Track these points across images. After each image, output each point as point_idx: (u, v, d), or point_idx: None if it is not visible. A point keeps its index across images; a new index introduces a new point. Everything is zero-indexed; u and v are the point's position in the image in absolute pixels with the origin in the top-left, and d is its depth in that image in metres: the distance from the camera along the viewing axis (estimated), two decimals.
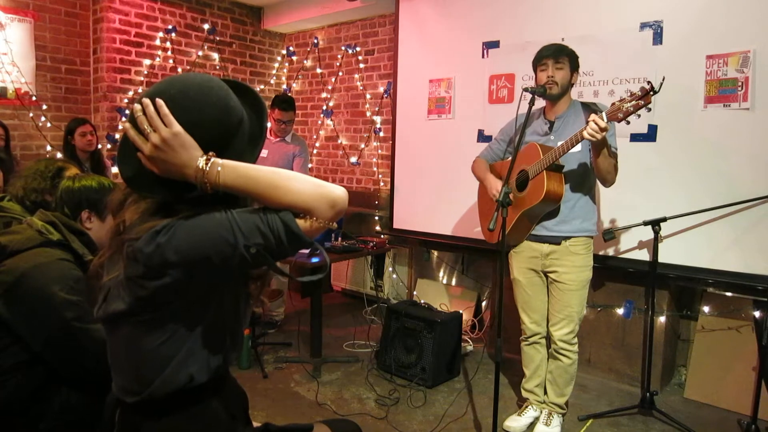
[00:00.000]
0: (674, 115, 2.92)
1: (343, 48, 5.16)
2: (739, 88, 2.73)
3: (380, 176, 4.95)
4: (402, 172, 4.35)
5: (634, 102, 2.11)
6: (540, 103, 2.56)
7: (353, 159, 5.15)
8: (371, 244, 3.72)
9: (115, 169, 3.79)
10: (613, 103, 2.17)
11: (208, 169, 0.98)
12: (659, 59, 2.97)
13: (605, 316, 3.32)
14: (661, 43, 2.97)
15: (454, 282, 4.38)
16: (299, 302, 4.27)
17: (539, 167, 2.39)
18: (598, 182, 2.51)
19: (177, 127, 0.99)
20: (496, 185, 2.59)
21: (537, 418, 2.69)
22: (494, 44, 3.72)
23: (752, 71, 2.69)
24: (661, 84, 2.08)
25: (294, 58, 5.67)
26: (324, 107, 5.37)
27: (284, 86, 5.77)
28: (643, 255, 3.06)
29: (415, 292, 4.51)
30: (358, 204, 4.95)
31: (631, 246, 3.12)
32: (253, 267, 1.06)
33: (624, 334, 3.26)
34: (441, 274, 4.46)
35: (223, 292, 1.09)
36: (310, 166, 4.49)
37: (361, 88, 5.05)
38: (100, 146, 4.20)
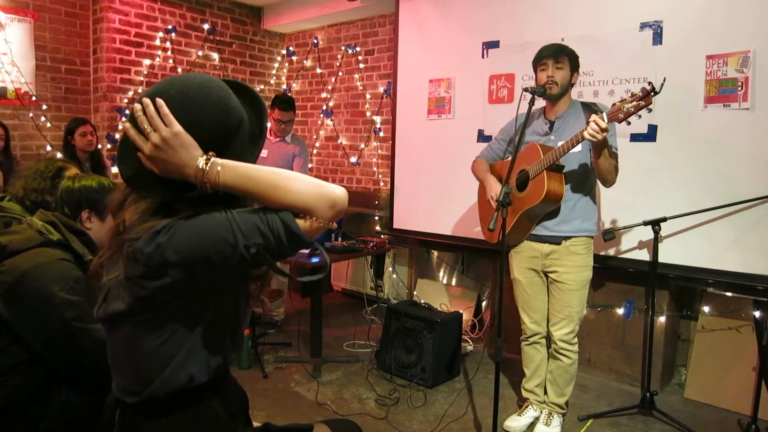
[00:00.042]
0: (674, 115, 2.92)
1: (343, 48, 5.16)
2: (739, 88, 2.73)
3: (380, 176, 4.95)
4: (402, 172, 4.35)
5: (635, 102, 2.11)
6: (540, 103, 2.56)
7: (353, 159, 5.15)
8: (371, 244, 3.73)
9: (115, 169, 3.80)
10: (614, 104, 2.17)
11: (207, 168, 0.98)
12: (659, 59, 2.97)
13: (605, 316, 3.32)
14: (661, 43, 2.97)
15: (454, 282, 4.38)
16: (299, 302, 4.27)
17: (540, 167, 2.39)
18: (598, 182, 2.51)
19: (177, 127, 0.99)
20: (495, 188, 2.59)
21: (537, 418, 2.69)
22: (494, 44, 3.72)
23: (752, 71, 2.69)
24: (662, 85, 2.08)
25: (294, 58, 5.67)
26: (324, 107, 5.37)
27: (284, 86, 5.78)
28: (643, 255, 3.06)
29: (415, 292, 4.51)
30: (358, 204, 4.95)
31: (631, 246, 3.12)
32: (253, 267, 1.06)
33: (624, 334, 3.26)
34: (441, 274, 4.46)
35: (223, 292, 1.09)
36: (310, 166, 4.49)
37: (361, 88, 5.05)
38: (100, 146, 4.20)
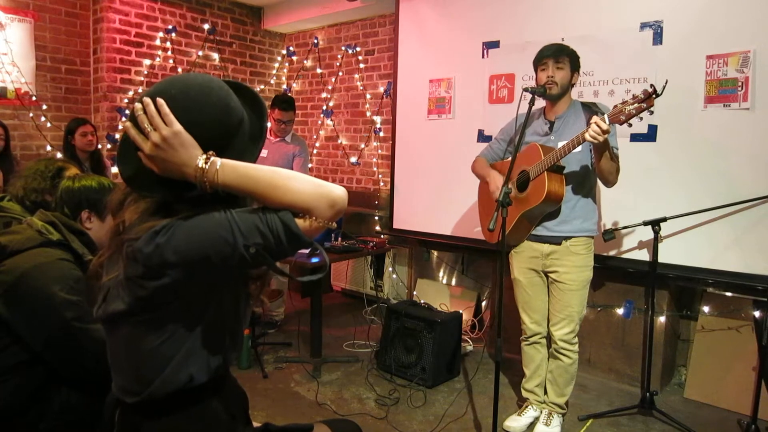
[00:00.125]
0: (674, 115, 2.92)
1: (343, 48, 5.16)
2: (739, 88, 2.73)
3: (380, 176, 4.95)
4: (402, 172, 4.35)
5: (636, 104, 2.11)
6: (540, 103, 2.56)
7: (353, 159, 5.15)
8: (371, 244, 3.72)
9: (115, 169, 3.79)
10: (615, 106, 2.17)
11: (207, 168, 0.98)
12: (659, 59, 2.97)
13: (605, 316, 3.32)
14: (661, 43, 2.97)
15: (454, 282, 4.38)
16: (299, 302, 4.27)
17: (540, 168, 2.39)
18: (598, 182, 2.51)
19: (177, 126, 0.99)
20: (498, 181, 2.59)
21: (537, 418, 2.69)
22: (494, 44, 3.72)
23: (752, 71, 2.69)
24: (664, 87, 2.08)
25: (294, 58, 5.67)
26: (324, 107, 5.37)
27: (284, 86, 5.78)
28: (643, 255, 3.06)
29: (415, 292, 4.51)
30: (358, 204, 4.95)
31: (631, 246, 3.12)
32: (253, 267, 1.06)
33: (624, 334, 3.26)
34: (441, 274, 4.46)
35: (223, 292, 1.09)
36: (310, 166, 4.49)
37: (361, 88, 5.05)
38: (100, 146, 4.20)
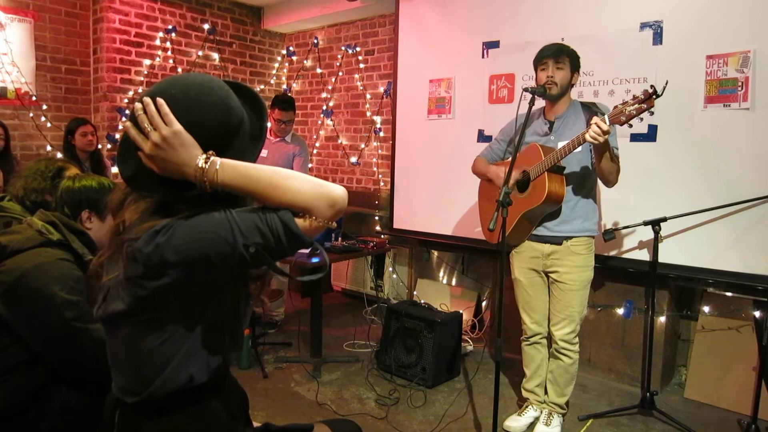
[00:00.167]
0: (674, 115, 2.92)
1: (343, 48, 5.16)
2: (739, 88, 2.73)
3: (380, 176, 4.95)
4: (402, 172, 4.35)
5: (636, 105, 2.11)
6: (540, 103, 2.56)
7: (353, 159, 5.15)
8: (371, 244, 3.72)
9: (115, 169, 3.79)
10: (616, 106, 2.17)
11: (207, 167, 0.98)
12: (659, 59, 2.97)
13: (605, 316, 3.32)
14: (661, 43, 2.97)
15: (454, 282, 4.38)
16: (299, 302, 4.27)
17: (541, 169, 2.39)
18: (599, 182, 2.51)
19: (177, 126, 0.99)
20: (501, 171, 2.58)
21: (537, 418, 2.69)
22: (494, 44, 3.72)
23: (752, 71, 2.69)
24: (664, 87, 2.08)
25: (294, 58, 5.67)
26: (324, 107, 5.37)
27: (284, 86, 5.78)
28: (643, 255, 3.06)
29: (415, 292, 4.51)
30: (358, 204, 4.95)
31: (631, 246, 3.12)
32: (253, 266, 1.06)
33: (624, 334, 3.26)
34: (441, 274, 4.46)
35: (223, 292, 1.09)
36: (310, 166, 4.49)
37: (361, 88, 5.05)
38: (100, 146, 4.20)
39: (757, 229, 2.71)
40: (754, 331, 2.88)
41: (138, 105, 1.01)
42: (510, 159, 2.38)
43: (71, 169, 1.93)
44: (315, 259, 3.15)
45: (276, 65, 5.71)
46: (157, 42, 4.78)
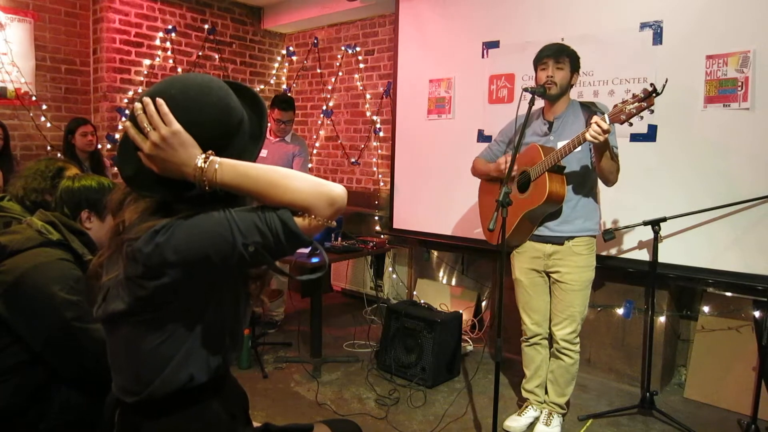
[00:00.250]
0: (674, 115, 2.92)
1: (343, 48, 5.16)
2: (739, 88, 2.73)
3: (380, 176, 4.95)
4: (402, 172, 4.35)
5: (636, 104, 2.11)
6: (539, 103, 2.56)
7: (353, 159, 5.15)
8: (371, 244, 3.72)
9: (115, 169, 3.79)
10: (616, 105, 2.17)
11: (206, 167, 0.98)
12: (659, 59, 2.97)
13: (605, 316, 3.32)
14: (661, 43, 2.97)
15: (454, 282, 4.38)
16: (299, 302, 4.27)
17: (541, 169, 2.39)
18: (599, 181, 2.51)
19: (176, 126, 0.99)
20: (502, 162, 2.58)
21: (537, 418, 2.69)
22: (494, 44, 3.72)
23: (752, 71, 2.69)
24: (664, 86, 2.08)
25: (294, 58, 5.67)
26: (324, 107, 5.37)
27: (284, 86, 5.78)
28: (643, 255, 3.06)
29: (415, 292, 4.51)
30: (358, 204, 4.95)
31: (631, 246, 3.11)
32: (252, 266, 1.06)
33: (624, 334, 3.26)
34: (441, 274, 4.46)
35: (223, 292, 1.09)
36: (310, 166, 4.49)
37: (361, 88, 5.05)
38: (100, 146, 4.20)
39: (757, 229, 2.71)
40: (754, 331, 2.88)
41: (137, 105, 1.01)
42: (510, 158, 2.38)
43: (71, 169, 1.93)
44: (315, 259, 3.15)
45: (276, 65, 5.71)
46: (157, 42, 4.78)
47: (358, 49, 5.06)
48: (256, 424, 1.32)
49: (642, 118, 2.17)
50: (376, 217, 4.86)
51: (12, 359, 1.52)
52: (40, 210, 1.70)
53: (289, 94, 5.29)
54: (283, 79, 5.79)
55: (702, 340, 3.12)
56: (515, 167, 2.44)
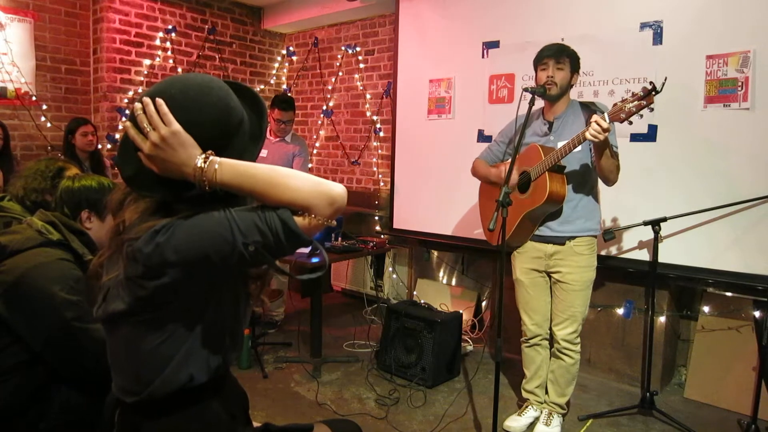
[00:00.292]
0: (674, 115, 2.92)
1: (343, 48, 5.16)
2: (739, 88, 2.73)
3: (380, 176, 4.95)
4: (402, 172, 4.35)
5: (636, 102, 2.11)
6: (539, 103, 2.56)
7: (353, 159, 5.15)
8: (371, 244, 3.72)
9: (115, 169, 3.79)
10: (615, 104, 2.17)
11: (206, 167, 0.99)
12: (659, 59, 2.97)
13: (605, 316, 3.32)
14: (661, 43, 2.97)
15: (454, 282, 4.38)
16: (299, 302, 4.27)
17: (541, 169, 2.39)
18: (599, 181, 2.51)
19: (176, 126, 0.99)
20: (502, 170, 2.58)
21: (537, 418, 2.69)
22: (494, 44, 3.72)
23: (752, 71, 2.69)
24: (663, 84, 2.08)
25: (294, 58, 5.67)
26: (324, 107, 5.37)
27: (284, 86, 5.78)
28: (643, 255, 3.06)
29: (415, 292, 4.51)
30: (358, 204, 4.95)
31: (631, 246, 3.11)
32: (252, 265, 1.06)
33: (624, 334, 3.26)
34: (441, 274, 4.46)
35: (223, 292, 1.09)
36: (310, 166, 4.49)
37: (361, 88, 5.05)
38: (100, 146, 4.20)
39: (757, 229, 2.71)
40: (754, 331, 2.88)
41: (137, 105, 1.01)
42: (510, 160, 2.38)
43: (71, 169, 1.93)
44: (315, 259, 3.15)
45: (276, 65, 5.71)
46: (157, 42, 4.78)
47: (358, 49, 5.06)
48: (256, 424, 1.33)
49: (642, 116, 2.17)
50: (376, 217, 4.86)
51: (12, 359, 1.52)
52: (41, 210, 1.70)
53: (289, 94, 5.29)
54: (283, 79, 5.79)
55: (702, 340, 3.12)
56: (515, 167, 2.44)
